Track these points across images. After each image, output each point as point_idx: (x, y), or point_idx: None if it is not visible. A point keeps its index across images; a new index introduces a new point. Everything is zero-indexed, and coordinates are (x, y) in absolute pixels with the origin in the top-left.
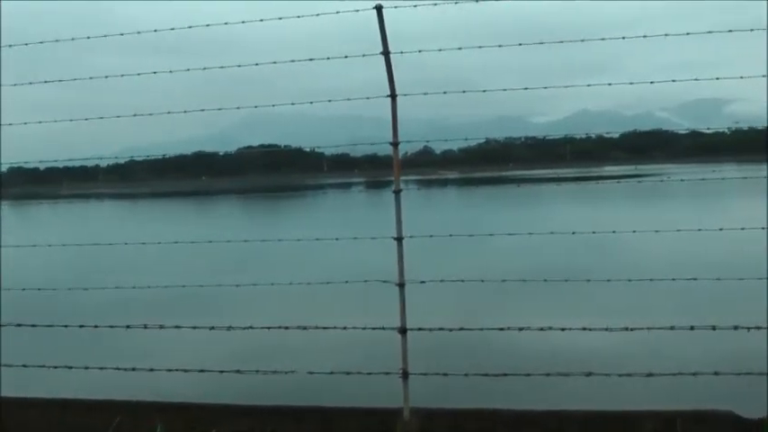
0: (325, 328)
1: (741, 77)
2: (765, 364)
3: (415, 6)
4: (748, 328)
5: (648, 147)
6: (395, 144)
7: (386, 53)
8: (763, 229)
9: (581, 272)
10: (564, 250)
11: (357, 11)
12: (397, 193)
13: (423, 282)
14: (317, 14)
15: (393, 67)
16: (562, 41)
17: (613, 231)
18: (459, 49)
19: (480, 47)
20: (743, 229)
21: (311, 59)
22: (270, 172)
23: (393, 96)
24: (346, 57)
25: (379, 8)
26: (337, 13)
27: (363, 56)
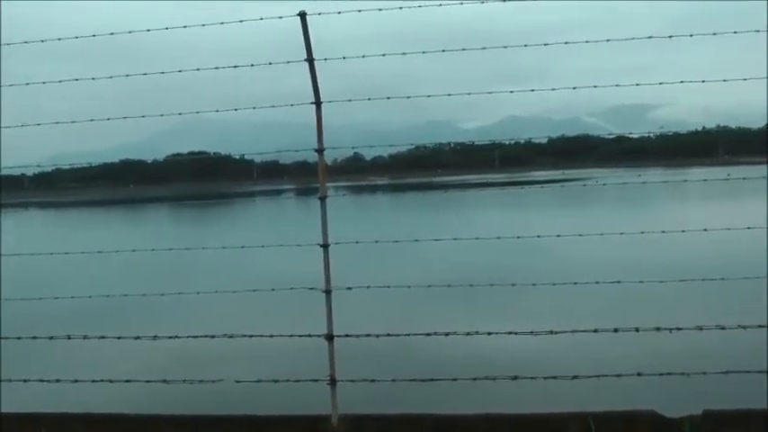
0: (251, 336)
1: (660, 83)
2: (686, 365)
3: (339, 13)
4: (670, 330)
5: (576, 151)
6: (320, 151)
7: (310, 60)
8: (683, 231)
9: (508, 277)
10: (491, 255)
11: (281, 17)
12: (323, 199)
13: (349, 288)
14: (241, 21)
15: (318, 75)
16: (485, 48)
17: (538, 236)
18: (383, 55)
19: (404, 53)
20: (663, 232)
21: (235, 66)
22: (199, 179)
23: (318, 103)
24: (270, 63)
25: (302, 15)
26: (261, 19)
27: (288, 62)
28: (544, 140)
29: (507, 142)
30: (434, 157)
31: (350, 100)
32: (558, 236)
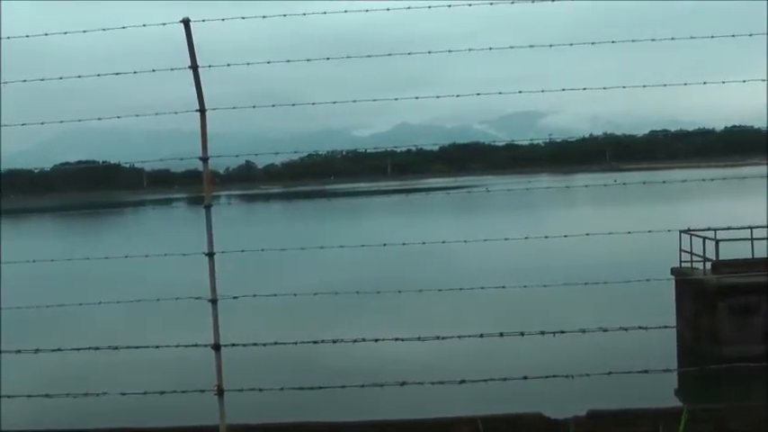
0: (137, 347)
1: (542, 91)
2: (570, 367)
3: (223, 20)
4: (554, 333)
5: (468, 159)
6: (204, 159)
7: (194, 67)
8: (566, 236)
9: (396, 283)
10: (381, 263)
11: (164, 24)
12: (208, 208)
13: (235, 297)
14: (123, 27)
15: (201, 82)
16: (369, 56)
17: (423, 243)
18: (268, 62)
19: (288, 61)
20: (546, 237)
21: (117, 74)
22: (88, 188)
23: (202, 111)
24: (153, 71)
25: (186, 22)
26: (144, 26)
27: (171, 70)
28: (436, 148)
29: (399, 150)
30: (327, 165)
31: (234, 107)
32: (444, 242)
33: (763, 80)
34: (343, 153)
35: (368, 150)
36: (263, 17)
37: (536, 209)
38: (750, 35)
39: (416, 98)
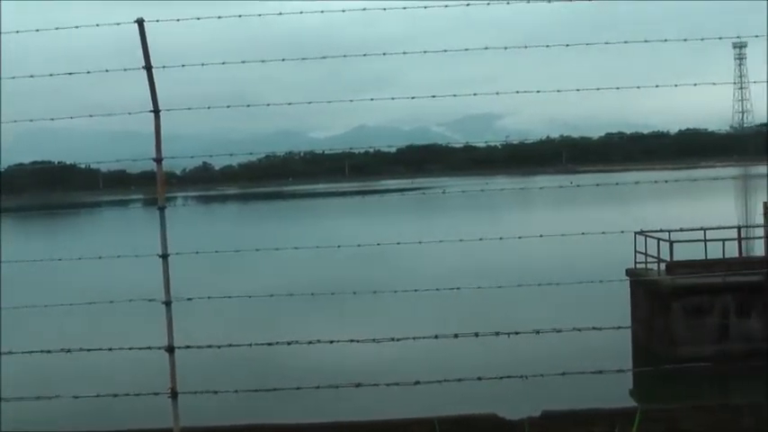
0: (89, 350)
1: (497, 93)
2: (525, 368)
3: (177, 20)
4: (508, 334)
5: (425, 160)
6: (158, 160)
7: (148, 68)
8: (520, 238)
9: (352, 285)
10: (337, 263)
11: (118, 24)
12: (162, 209)
13: (189, 299)
14: (77, 27)
15: (155, 82)
16: (325, 57)
17: (378, 244)
18: (223, 63)
19: (244, 62)
20: (501, 239)
21: (70, 74)
22: (43, 190)
23: (156, 112)
24: (107, 71)
25: (140, 22)
26: (97, 26)
27: (125, 70)
28: (394, 150)
29: (357, 151)
30: (285, 167)
31: (189, 108)
32: (398, 243)
33: (714, 84)
34: (301, 154)
35: (326, 152)
36: (219, 17)
37: (493, 210)
38: (702, 39)
39: (371, 100)
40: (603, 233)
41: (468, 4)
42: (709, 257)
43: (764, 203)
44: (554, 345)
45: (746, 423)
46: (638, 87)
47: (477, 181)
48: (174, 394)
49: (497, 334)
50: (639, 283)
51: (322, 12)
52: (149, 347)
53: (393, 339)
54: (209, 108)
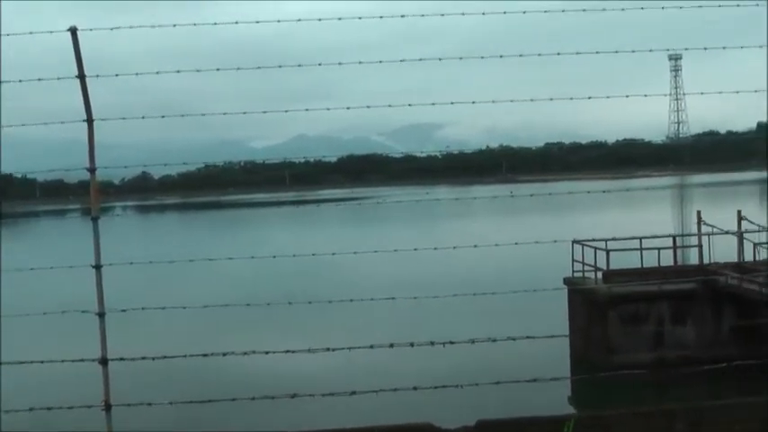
0: (21, 362)
1: (432, 104)
2: (460, 377)
3: (111, 29)
4: (443, 344)
5: (365, 170)
6: (91, 170)
7: (81, 76)
8: (455, 248)
9: (289, 295)
10: (275, 274)
11: (51, 32)
12: (95, 219)
13: (123, 310)
14: (8, 34)
15: (89, 91)
16: (259, 67)
17: (313, 254)
18: (157, 73)
19: (178, 71)
20: (435, 249)
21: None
22: None
23: (89, 121)
24: (40, 80)
25: (73, 30)
26: (30, 33)
27: (58, 79)
28: (334, 159)
29: (297, 161)
30: (225, 176)
31: (124, 118)
32: (334, 254)
33: (645, 95)
34: (241, 164)
35: (266, 161)
36: (152, 27)
37: (433, 220)
38: (632, 51)
39: (306, 110)
40: (537, 243)
41: (402, 16)
42: (645, 266)
43: (698, 212)
44: (493, 354)
45: (679, 428)
46: (571, 99)
47: (417, 191)
48: (107, 407)
49: (433, 344)
50: (577, 291)
51: (257, 22)
52: (82, 360)
53: (329, 350)
54: (143, 118)
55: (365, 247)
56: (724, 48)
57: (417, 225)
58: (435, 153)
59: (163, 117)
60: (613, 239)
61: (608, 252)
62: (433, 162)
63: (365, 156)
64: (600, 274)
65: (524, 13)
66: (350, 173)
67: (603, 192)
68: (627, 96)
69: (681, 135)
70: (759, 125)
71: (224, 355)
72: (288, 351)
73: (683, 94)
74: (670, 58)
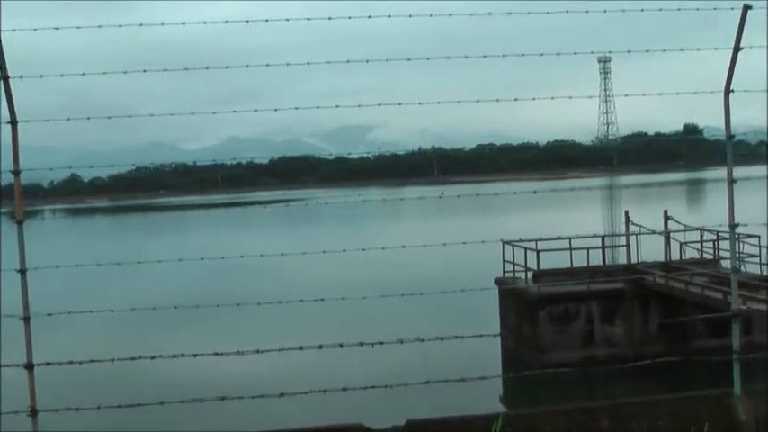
0: None
1: (359, 106)
2: (389, 377)
3: (35, 30)
4: (372, 344)
5: (298, 172)
6: (16, 173)
7: (4, 78)
8: (383, 249)
9: (219, 297)
10: (206, 276)
11: None
12: (20, 223)
13: (50, 314)
14: None
15: (12, 93)
16: (187, 69)
17: (241, 256)
18: (83, 74)
19: (104, 73)
20: (364, 250)
21: None
22: None
23: (13, 123)
24: None
25: None
26: None
27: None
28: (266, 161)
29: (230, 163)
30: (156, 179)
31: (48, 120)
32: (262, 255)
33: (570, 97)
34: (173, 166)
35: (198, 163)
36: (78, 27)
37: (364, 221)
38: (558, 54)
39: (234, 111)
40: (464, 243)
41: (329, 18)
42: (574, 266)
43: (626, 212)
44: (426, 354)
45: (604, 424)
46: (497, 100)
47: (349, 192)
48: (33, 412)
49: (362, 344)
50: (507, 291)
51: (183, 23)
52: (8, 365)
53: (258, 351)
54: (68, 119)
55: (295, 249)
56: (647, 51)
57: (349, 226)
58: (368, 155)
59: (88, 119)
60: (542, 239)
61: (538, 252)
62: (366, 164)
63: (297, 157)
64: (530, 274)
65: (450, 15)
66: (282, 175)
67: (534, 192)
68: (552, 98)
69: (610, 136)
70: (686, 127)
71: (152, 358)
72: (216, 353)
73: (612, 96)
74: (599, 60)
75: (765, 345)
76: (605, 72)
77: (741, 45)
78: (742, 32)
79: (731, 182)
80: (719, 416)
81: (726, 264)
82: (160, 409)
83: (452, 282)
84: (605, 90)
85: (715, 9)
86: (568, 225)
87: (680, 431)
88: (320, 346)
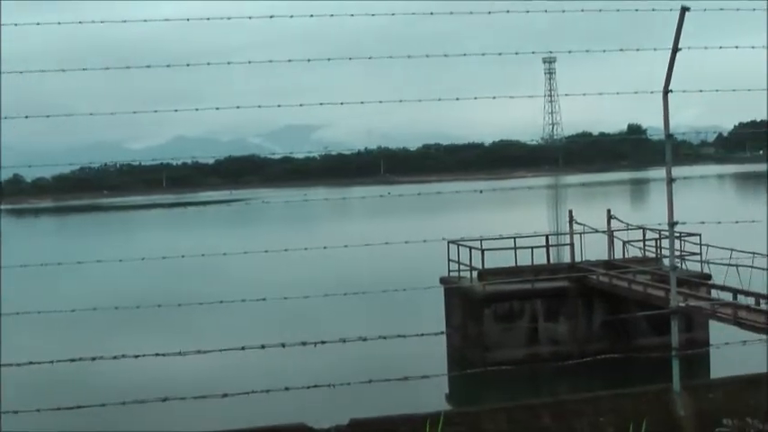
0: None
1: (300, 105)
2: (332, 376)
3: None
4: (315, 344)
5: (244, 172)
6: None
7: None
8: (325, 248)
9: (160, 298)
10: (149, 277)
11: None
12: None
13: None
14: None
15: None
16: (129, 67)
17: (182, 256)
18: (21, 72)
19: (42, 71)
20: (306, 249)
21: None
22: None
23: None
24: None
25: None
26: None
27: None
28: (212, 161)
29: (175, 163)
30: (101, 179)
31: None
32: (203, 255)
33: (511, 97)
34: (118, 166)
35: (143, 163)
36: (15, 25)
37: (311, 221)
38: (499, 54)
39: (176, 111)
40: (407, 242)
41: (271, 17)
42: (519, 264)
43: (570, 212)
44: (373, 354)
45: (546, 421)
46: (439, 99)
47: (295, 192)
48: None
49: (304, 344)
50: (453, 290)
51: (124, 21)
52: None
53: (199, 352)
54: (5, 118)
55: (239, 249)
56: (587, 51)
57: (295, 226)
58: (314, 154)
59: (27, 117)
60: (486, 239)
61: (483, 251)
62: (312, 163)
63: (243, 157)
64: (475, 273)
65: (393, 15)
66: (228, 174)
67: (480, 192)
68: (494, 98)
69: (555, 136)
70: (629, 127)
71: (93, 359)
72: (158, 354)
73: (557, 96)
74: (544, 61)
75: (706, 341)
76: (550, 72)
77: (680, 46)
78: (680, 34)
79: (670, 181)
80: (658, 411)
81: (667, 262)
82: (102, 411)
83: (398, 281)
84: (550, 90)
85: (654, 10)
86: (513, 224)
87: (620, 427)
88: (263, 346)
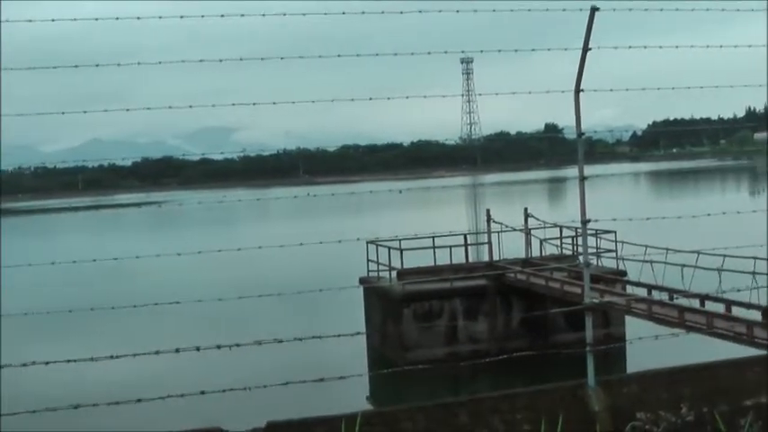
0: None
1: (213, 105)
2: (248, 379)
3: None
4: (230, 347)
5: (161, 174)
6: None
7: None
8: (239, 250)
9: (73, 303)
10: (65, 282)
11: None
12: None
13: None
14: None
15: None
16: (57, 67)
17: (94, 260)
18: None
19: None
20: (220, 251)
21: None
22: None
23: None
24: None
25: None
26: None
27: None
28: (129, 163)
29: (91, 165)
30: (15, 182)
31: None
32: (115, 259)
33: (425, 96)
34: (31, 169)
35: (57, 166)
36: None
37: (230, 224)
38: (411, 54)
39: (84, 112)
40: (320, 243)
41: (203, 16)
42: (438, 264)
43: (487, 211)
44: (292, 355)
45: (462, 419)
46: (352, 100)
47: (213, 194)
48: None
49: (219, 347)
50: (372, 290)
51: (53, 20)
52: None
53: (112, 357)
54: None
55: (155, 252)
56: (499, 51)
57: (213, 229)
58: (233, 156)
59: None
60: (405, 239)
61: (401, 251)
62: (231, 165)
63: (161, 159)
64: (394, 273)
65: (325, 14)
66: (146, 177)
67: (400, 192)
68: (407, 98)
69: (473, 136)
70: (546, 126)
71: (23, 365)
72: (69, 360)
73: (475, 96)
74: (462, 61)
75: (623, 337)
76: (467, 72)
77: (590, 46)
78: (590, 33)
79: (582, 179)
80: (574, 407)
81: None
82: (11, 420)
83: (319, 282)
84: (468, 90)
85: (564, 10)
86: (432, 224)
87: (536, 423)
88: (177, 350)
